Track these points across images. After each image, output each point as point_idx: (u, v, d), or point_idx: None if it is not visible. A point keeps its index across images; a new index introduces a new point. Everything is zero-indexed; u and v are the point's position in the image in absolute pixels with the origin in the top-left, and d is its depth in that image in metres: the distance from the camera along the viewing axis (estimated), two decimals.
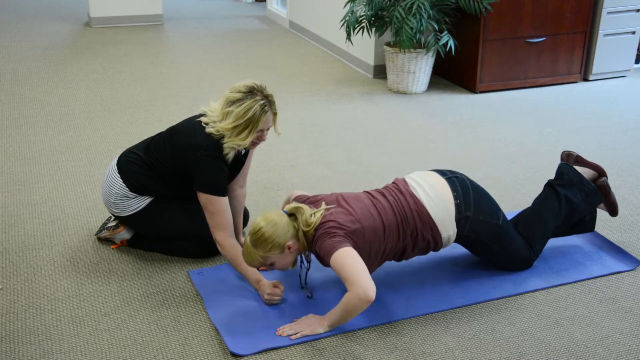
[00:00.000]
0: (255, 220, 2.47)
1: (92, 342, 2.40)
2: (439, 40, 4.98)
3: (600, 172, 2.96)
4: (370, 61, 5.66)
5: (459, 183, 2.65)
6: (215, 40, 6.91)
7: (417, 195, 2.60)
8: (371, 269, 2.53)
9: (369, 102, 5.05)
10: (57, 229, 3.17)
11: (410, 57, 5.06)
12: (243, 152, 2.83)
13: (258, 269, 2.65)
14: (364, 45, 5.69)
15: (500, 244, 2.71)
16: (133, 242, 2.99)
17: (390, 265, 2.86)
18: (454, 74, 5.48)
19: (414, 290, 2.70)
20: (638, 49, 5.68)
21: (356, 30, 5.19)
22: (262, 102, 2.62)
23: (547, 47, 5.29)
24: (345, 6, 5.33)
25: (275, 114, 2.69)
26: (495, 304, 2.62)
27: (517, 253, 2.76)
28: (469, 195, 2.63)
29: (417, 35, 4.87)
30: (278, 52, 6.50)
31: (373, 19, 5.12)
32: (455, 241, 2.70)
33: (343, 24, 5.28)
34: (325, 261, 2.43)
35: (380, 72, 5.62)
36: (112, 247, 3.00)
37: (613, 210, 2.96)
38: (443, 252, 2.96)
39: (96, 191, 3.54)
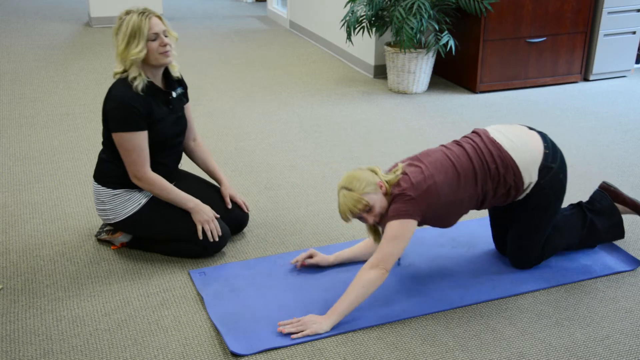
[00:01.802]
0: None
1: (93, 342, 2.40)
2: (440, 40, 4.98)
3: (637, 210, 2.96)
4: (371, 61, 5.66)
5: (549, 139, 2.71)
6: (215, 40, 6.91)
7: (499, 140, 2.62)
8: (454, 220, 2.65)
9: (369, 102, 5.05)
10: (57, 229, 3.17)
11: (410, 57, 5.06)
12: (175, 94, 2.96)
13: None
14: (365, 45, 5.69)
15: (548, 217, 2.71)
16: (133, 244, 2.99)
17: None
18: (454, 74, 5.48)
19: (414, 290, 2.69)
20: (638, 49, 5.68)
21: (356, 30, 5.19)
22: (139, 12, 2.78)
23: (548, 47, 5.29)
24: (345, 6, 5.33)
25: (159, 17, 2.83)
26: (495, 304, 2.62)
27: (543, 239, 2.75)
28: (557, 152, 2.69)
29: (418, 35, 4.87)
30: (278, 52, 6.50)
31: (373, 19, 5.12)
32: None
33: (343, 24, 5.28)
34: (385, 219, 2.51)
35: (380, 72, 5.62)
36: (112, 247, 3.00)
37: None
38: (443, 251, 2.96)
39: None
